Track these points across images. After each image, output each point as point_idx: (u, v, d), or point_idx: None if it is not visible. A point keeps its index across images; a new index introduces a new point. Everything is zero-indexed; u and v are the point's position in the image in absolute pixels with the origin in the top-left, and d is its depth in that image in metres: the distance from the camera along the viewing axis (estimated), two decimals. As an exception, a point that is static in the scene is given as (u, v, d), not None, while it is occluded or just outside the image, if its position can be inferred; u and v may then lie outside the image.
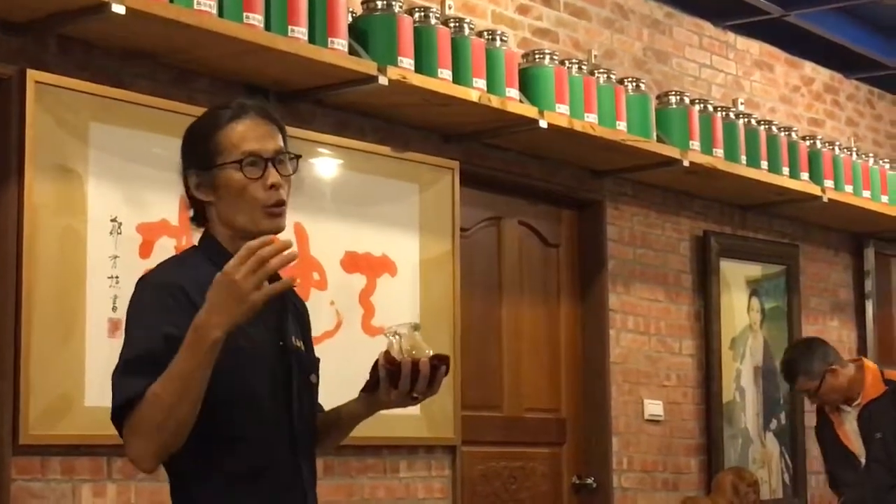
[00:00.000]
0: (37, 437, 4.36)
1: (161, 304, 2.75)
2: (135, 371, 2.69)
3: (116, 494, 4.57)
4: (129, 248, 4.65)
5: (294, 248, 2.63)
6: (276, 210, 2.86)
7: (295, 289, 3.11)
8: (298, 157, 2.92)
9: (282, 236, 4.93)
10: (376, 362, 2.85)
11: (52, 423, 4.40)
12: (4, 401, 4.32)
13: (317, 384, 2.99)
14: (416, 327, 2.87)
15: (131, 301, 2.82)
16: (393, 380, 2.83)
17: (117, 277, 4.56)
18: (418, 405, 5.43)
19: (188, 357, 2.62)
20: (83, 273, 4.53)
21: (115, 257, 4.62)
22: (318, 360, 3.03)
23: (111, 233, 4.62)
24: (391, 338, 2.83)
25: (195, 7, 4.53)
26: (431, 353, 2.85)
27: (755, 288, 7.73)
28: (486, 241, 6.33)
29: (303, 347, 2.97)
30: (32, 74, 4.43)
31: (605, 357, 6.70)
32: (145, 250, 4.69)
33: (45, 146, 4.45)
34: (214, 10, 4.60)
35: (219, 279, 2.61)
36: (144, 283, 2.83)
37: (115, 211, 4.64)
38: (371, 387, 2.89)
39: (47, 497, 4.40)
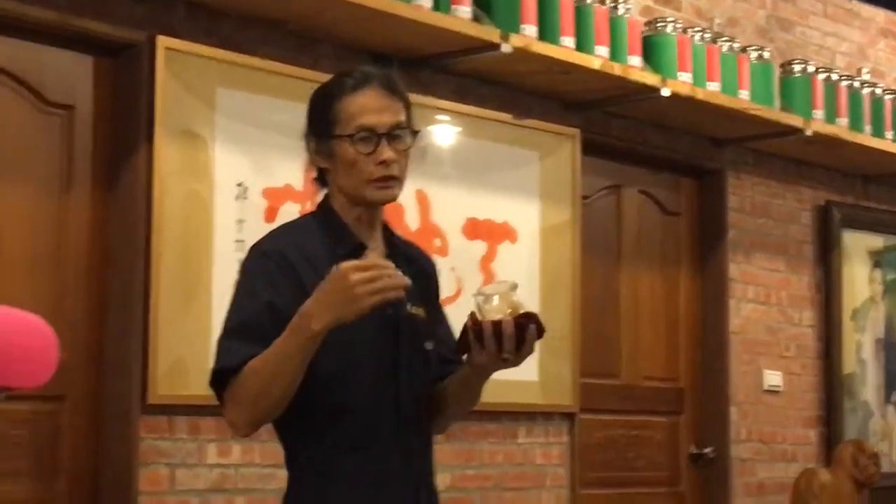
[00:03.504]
0: (164, 398, 4.44)
1: (265, 271, 2.79)
2: (237, 338, 2.74)
3: (241, 454, 4.64)
4: (255, 212, 4.72)
5: (406, 280, 2.68)
6: (384, 184, 2.85)
7: (421, 251, 3.13)
8: (417, 132, 2.90)
9: (404, 203, 5.00)
10: (465, 325, 2.79)
11: (179, 384, 4.47)
12: (134, 360, 4.41)
13: (433, 351, 2.96)
14: (513, 287, 2.80)
15: (241, 267, 2.87)
16: (480, 341, 2.76)
17: (243, 241, 4.60)
18: (536, 371, 5.54)
19: (289, 340, 2.67)
20: (209, 237, 4.60)
21: (241, 221, 4.68)
22: (437, 326, 3.00)
23: (237, 197, 4.69)
24: (478, 298, 2.78)
25: (321, -26, 4.57)
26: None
27: (877, 259, 7.62)
28: (606, 209, 6.32)
29: (422, 313, 2.95)
30: (162, 41, 4.49)
31: (725, 327, 6.66)
32: (270, 215, 4.75)
33: (173, 111, 4.51)
34: (339, -23, 4.64)
35: (335, 274, 2.62)
36: (253, 250, 2.88)
37: (240, 176, 4.70)
38: (462, 350, 2.82)
39: (174, 455, 4.49)
